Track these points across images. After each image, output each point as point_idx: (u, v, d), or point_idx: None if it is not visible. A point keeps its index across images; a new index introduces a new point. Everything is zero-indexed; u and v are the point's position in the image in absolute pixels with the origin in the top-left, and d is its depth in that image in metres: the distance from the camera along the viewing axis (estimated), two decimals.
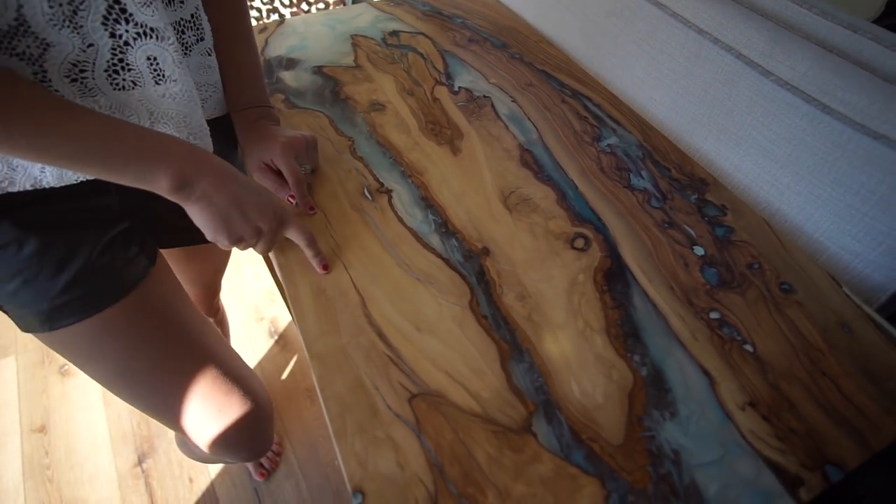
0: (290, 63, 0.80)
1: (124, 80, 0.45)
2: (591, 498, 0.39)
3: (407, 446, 0.41)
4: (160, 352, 0.54)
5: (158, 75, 0.47)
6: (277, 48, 0.84)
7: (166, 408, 0.57)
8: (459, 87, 0.76)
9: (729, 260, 0.55)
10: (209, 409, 0.58)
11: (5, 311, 0.51)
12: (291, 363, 1.32)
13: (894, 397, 0.45)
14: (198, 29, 0.52)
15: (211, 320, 0.90)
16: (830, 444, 0.42)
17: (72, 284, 0.49)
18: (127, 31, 0.44)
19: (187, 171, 0.44)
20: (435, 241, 0.56)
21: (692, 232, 0.57)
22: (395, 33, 0.88)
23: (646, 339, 0.48)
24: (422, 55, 0.83)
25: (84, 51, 0.42)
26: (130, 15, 0.43)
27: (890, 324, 0.50)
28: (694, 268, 0.54)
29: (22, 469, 1.16)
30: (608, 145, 0.67)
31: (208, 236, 0.48)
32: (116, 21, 0.43)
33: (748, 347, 0.48)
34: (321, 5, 1.38)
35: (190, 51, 0.52)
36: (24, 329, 0.51)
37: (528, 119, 0.71)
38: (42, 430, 1.24)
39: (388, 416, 0.43)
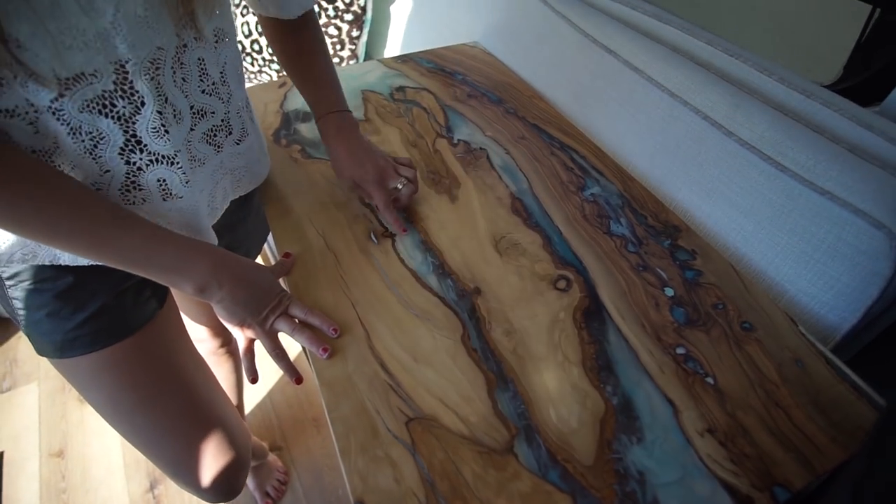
0: (307, 116, 0.89)
1: (135, 197, 0.52)
2: None
3: (403, 464, 0.47)
4: (148, 391, 0.61)
5: (166, 193, 0.53)
6: (295, 102, 0.93)
7: (147, 445, 0.64)
8: (458, 140, 0.85)
9: (696, 300, 0.61)
10: (186, 453, 0.64)
11: (28, 335, 0.58)
12: (299, 394, 1.37)
13: (840, 427, 0.50)
14: (228, 128, 0.58)
15: (222, 352, 0.96)
16: (779, 467, 0.47)
17: (85, 322, 0.56)
18: (140, 158, 0.50)
19: (209, 283, 0.51)
20: (432, 280, 0.63)
21: (664, 275, 0.64)
22: (401, 89, 0.97)
23: (618, 371, 0.54)
24: (425, 109, 0.91)
25: (101, 175, 0.49)
26: (145, 146, 0.49)
27: (845, 363, 0.55)
28: (664, 307, 0.60)
29: (39, 493, 1.21)
30: (591, 194, 0.74)
31: (229, 327, 0.56)
32: (132, 151, 0.49)
33: (709, 380, 0.54)
34: (336, 60, 1.48)
35: (221, 148, 0.59)
36: (39, 352, 0.58)
37: (520, 170, 0.79)
38: (60, 454, 1.29)
39: (388, 438, 0.49)
